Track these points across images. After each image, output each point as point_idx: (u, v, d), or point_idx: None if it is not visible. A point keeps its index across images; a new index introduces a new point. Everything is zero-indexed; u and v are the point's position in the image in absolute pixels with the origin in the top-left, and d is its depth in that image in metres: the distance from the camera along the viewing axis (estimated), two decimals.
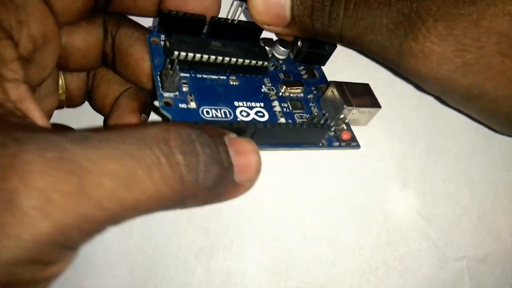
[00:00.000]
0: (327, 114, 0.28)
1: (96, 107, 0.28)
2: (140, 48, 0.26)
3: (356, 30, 0.24)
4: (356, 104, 0.27)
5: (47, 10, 0.21)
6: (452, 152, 0.32)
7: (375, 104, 0.28)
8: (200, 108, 0.25)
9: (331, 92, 0.28)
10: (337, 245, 0.30)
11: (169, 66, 0.25)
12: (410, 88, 0.33)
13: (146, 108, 0.27)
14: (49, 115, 0.26)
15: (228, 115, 0.25)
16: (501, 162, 0.32)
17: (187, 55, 0.25)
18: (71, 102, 0.28)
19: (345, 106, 0.27)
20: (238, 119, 0.25)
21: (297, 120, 0.27)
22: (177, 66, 0.25)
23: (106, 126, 0.25)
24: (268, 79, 0.29)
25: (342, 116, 0.28)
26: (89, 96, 0.28)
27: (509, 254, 0.32)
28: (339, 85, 0.28)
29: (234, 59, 0.27)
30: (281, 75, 0.30)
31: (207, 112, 0.25)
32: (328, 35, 0.25)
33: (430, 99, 0.32)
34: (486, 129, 0.31)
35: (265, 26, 0.26)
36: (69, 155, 0.15)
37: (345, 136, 0.28)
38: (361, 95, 0.28)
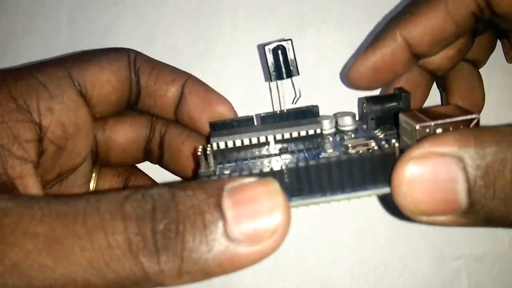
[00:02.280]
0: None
1: None
2: (190, 144, 0.27)
3: None
4: (433, 118, 0.19)
5: (81, 101, 0.23)
6: None
7: (467, 112, 0.19)
8: None
9: (401, 123, 0.21)
10: (336, 245, 0.31)
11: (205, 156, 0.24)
12: None
13: None
14: None
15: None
16: None
17: (226, 143, 0.24)
18: None
19: (417, 125, 0.19)
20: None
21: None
22: (212, 158, 0.23)
23: None
24: (329, 144, 0.24)
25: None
26: None
27: (506, 253, 0.32)
28: (410, 113, 0.20)
29: (279, 135, 0.24)
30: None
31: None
32: None
33: None
34: None
35: (423, 218, 0.18)
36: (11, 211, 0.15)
37: None
38: (444, 113, 0.19)
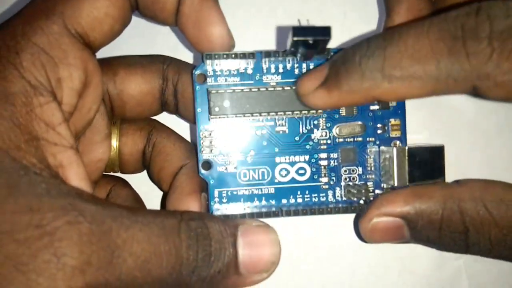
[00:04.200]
0: (370, 184, 0.26)
1: (152, 179, 0.29)
2: None
3: None
4: (410, 179, 0.24)
5: (85, 54, 0.21)
6: (451, 151, 0.30)
7: (436, 175, 0.24)
8: (238, 170, 0.25)
9: (389, 156, 0.24)
10: (336, 245, 0.31)
11: (210, 131, 0.25)
12: None
13: (205, 185, 0.26)
14: (98, 167, 0.26)
15: (266, 176, 0.25)
16: (499, 162, 0.32)
17: (227, 116, 0.24)
18: (124, 167, 0.28)
19: (396, 184, 0.24)
20: (276, 180, 0.25)
21: (343, 175, 0.26)
22: (217, 133, 0.25)
23: (165, 206, 0.26)
24: (324, 118, 0.26)
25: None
26: (148, 166, 0.28)
27: None
28: (400, 152, 0.24)
29: (281, 113, 0.24)
30: (342, 111, 0.26)
31: (244, 175, 0.25)
32: None
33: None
34: (485, 129, 0.32)
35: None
36: (109, 231, 0.19)
37: None
38: (425, 165, 0.24)
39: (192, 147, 0.28)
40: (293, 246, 0.31)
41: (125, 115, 0.27)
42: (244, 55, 0.23)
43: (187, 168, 0.27)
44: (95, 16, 0.21)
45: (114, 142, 0.27)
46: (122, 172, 0.29)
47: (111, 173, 0.28)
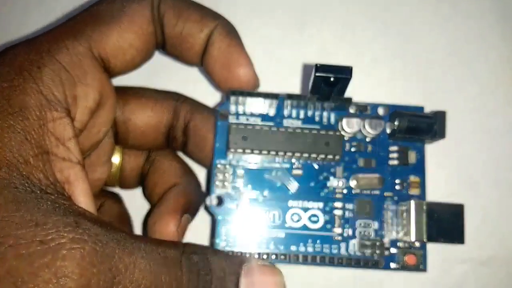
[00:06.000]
0: (386, 240, 0.24)
1: (145, 194, 0.29)
2: None
3: None
4: (429, 236, 0.23)
5: (104, 77, 0.22)
6: (455, 153, 0.31)
7: (456, 238, 0.23)
8: (248, 210, 0.24)
9: (407, 209, 0.23)
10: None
11: (226, 166, 0.25)
12: None
13: (192, 208, 0.27)
14: (96, 185, 0.26)
15: (277, 219, 0.24)
16: (506, 162, 0.31)
17: (244, 150, 0.24)
18: (123, 182, 0.28)
19: (413, 238, 0.23)
20: (286, 225, 0.24)
21: (357, 229, 0.24)
22: (232, 169, 0.25)
23: (146, 221, 0.26)
24: (341, 167, 0.25)
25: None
26: (143, 182, 0.28)
27: None
28: (418, 205, 0.23)
29: (298, 154, 0.24)
30: (360, 162, 0.25)
31: (254, 215, 0.24)
32: None
33: None
34: (489, 130, 0.32)
35: None
36: (112, 254, 0.18)
37: (409, 260, 0.24)
38: (444, 223, 0.23)
39: (188, 168, 0.28)
40: None
41: (127, 143, 0.27)
42: (267, 95, 0.24)
43: (178, 187, 0.26)
44: (120, 45, 0.22)
45: (117, 159, 0.27)
46: (120, 187, 0.29)
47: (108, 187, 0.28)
